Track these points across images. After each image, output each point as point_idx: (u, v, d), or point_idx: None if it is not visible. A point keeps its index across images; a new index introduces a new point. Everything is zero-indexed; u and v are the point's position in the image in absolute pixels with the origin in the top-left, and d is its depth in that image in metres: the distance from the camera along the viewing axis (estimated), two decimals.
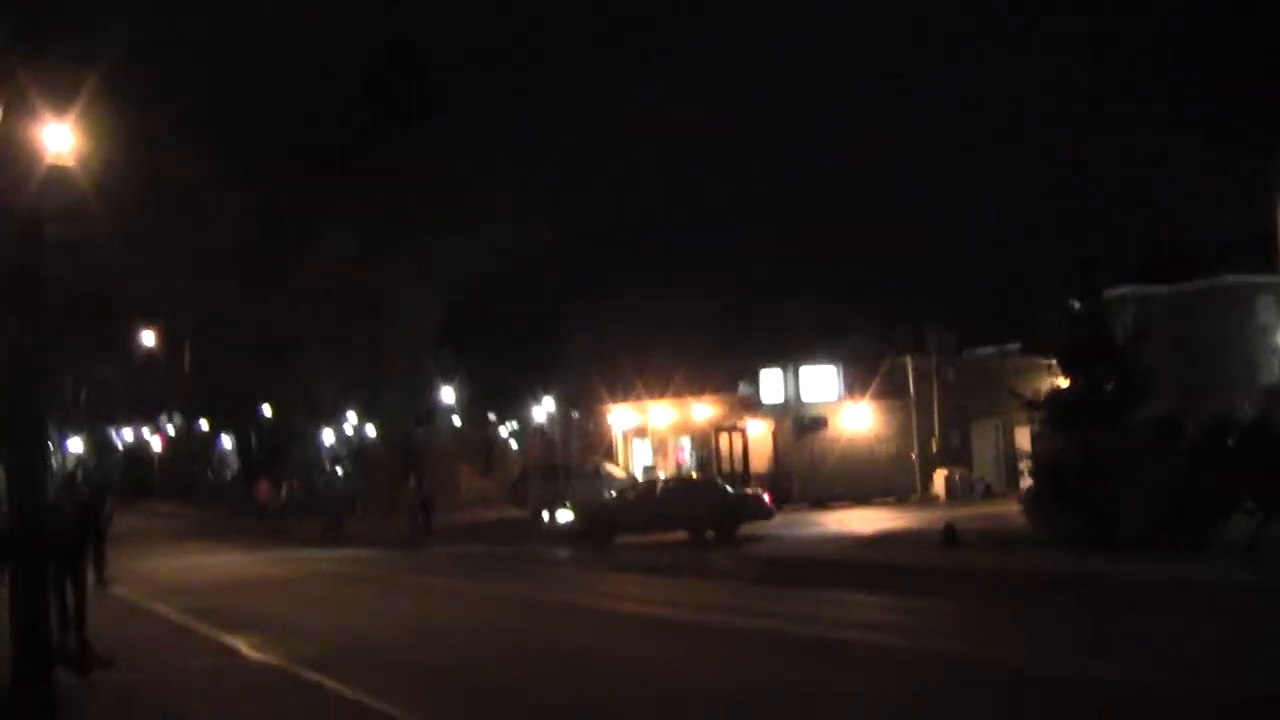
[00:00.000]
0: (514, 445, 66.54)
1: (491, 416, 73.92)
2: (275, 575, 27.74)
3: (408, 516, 38.17)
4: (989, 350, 53.77)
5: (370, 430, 76.53)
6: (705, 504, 33.60)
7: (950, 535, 26.33)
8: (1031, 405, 29.85)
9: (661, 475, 48.85)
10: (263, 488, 53.45)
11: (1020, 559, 23.44)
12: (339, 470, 70.33)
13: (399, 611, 20.28)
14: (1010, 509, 34.83)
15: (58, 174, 13.49)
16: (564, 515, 34.98)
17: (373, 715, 11.42)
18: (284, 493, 57.37)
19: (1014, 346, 52.30)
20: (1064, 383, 28.51)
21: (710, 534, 32.77)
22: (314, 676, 13.36)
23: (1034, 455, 30.07)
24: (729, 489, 36.20)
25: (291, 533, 43.55)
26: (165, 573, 28.56)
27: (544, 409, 69.47)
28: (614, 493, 37.19)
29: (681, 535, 32.83)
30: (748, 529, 32.97)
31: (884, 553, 26.63)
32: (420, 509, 37.68)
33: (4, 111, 10.83)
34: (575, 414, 61.23)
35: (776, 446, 46.90)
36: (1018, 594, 19.63)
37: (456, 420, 72.96)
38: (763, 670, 13.35)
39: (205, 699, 12.61)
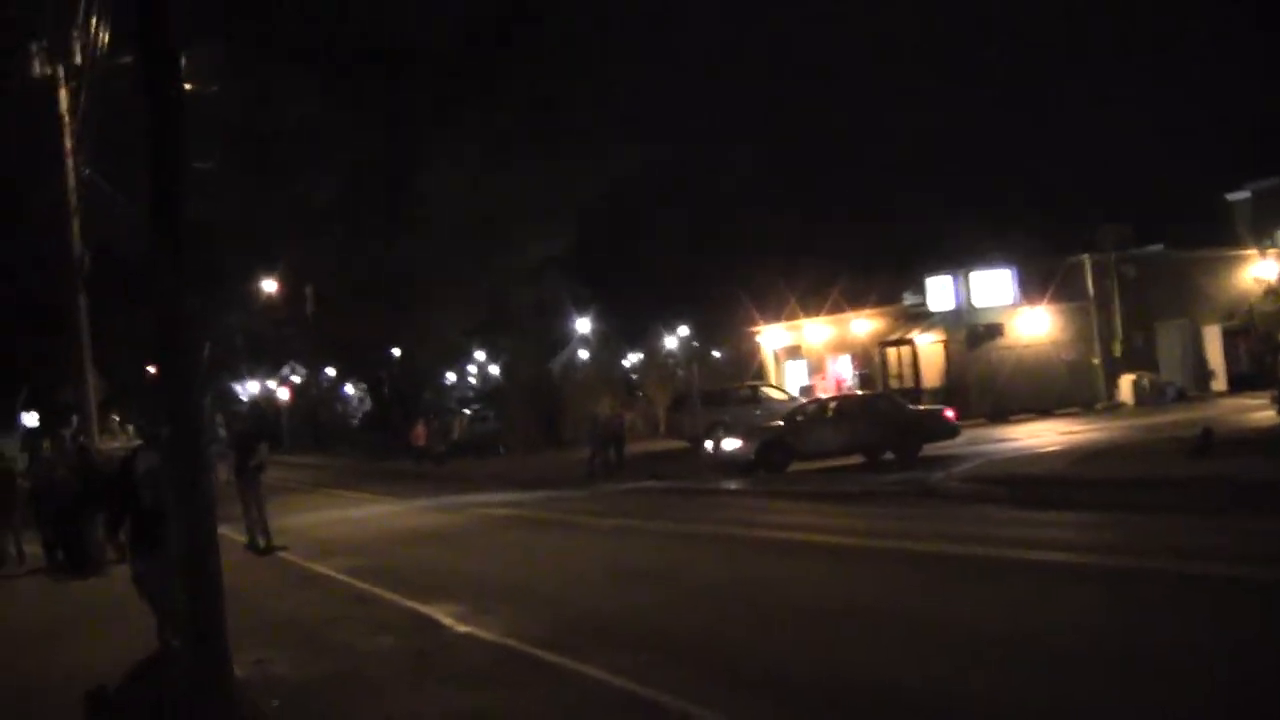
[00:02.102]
0: (653, 375, 63.56)
1: (627, 349, 71.40)
2: (444, 525, 24.70)
3: (592, 450, 35.77)
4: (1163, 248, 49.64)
5: (494, 369, 74.50)
6: (884, 424, 30.42)
7: (1206, 441, 22.78)
8: None
9: (821, 395, 45.91)
10: (419, 430, 51.47)
11: None
12: (466, 411, 68.13)
13: (602, 563, 17.24)
14: (1213, 413, 31.38)
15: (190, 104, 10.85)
16: (730, 443, 31.67)
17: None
18: (454, 433, 55.58)
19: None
20: None
21: (890, 456, 29.69)
22: (551, 658, 10.46)
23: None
24: (909, 407, 32.91)
25: (448, 477, 41.00)
26: (318, 527, 25.72)
27: (682, 335, 66.74)
28: (778, 418, 33.71)
29: (856, 459, 29.87)
30: (930, 449, 29.80)
31: (1116, 467, 23.03)
32: (612, 442, 35.28)
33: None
34: (719, 338, 58.25)
35: (949, 359, 43.42)
36: None
37: (584, 354, 70.52)
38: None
39: (423, 696, 9.71)
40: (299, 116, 44.95)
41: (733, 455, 31.26)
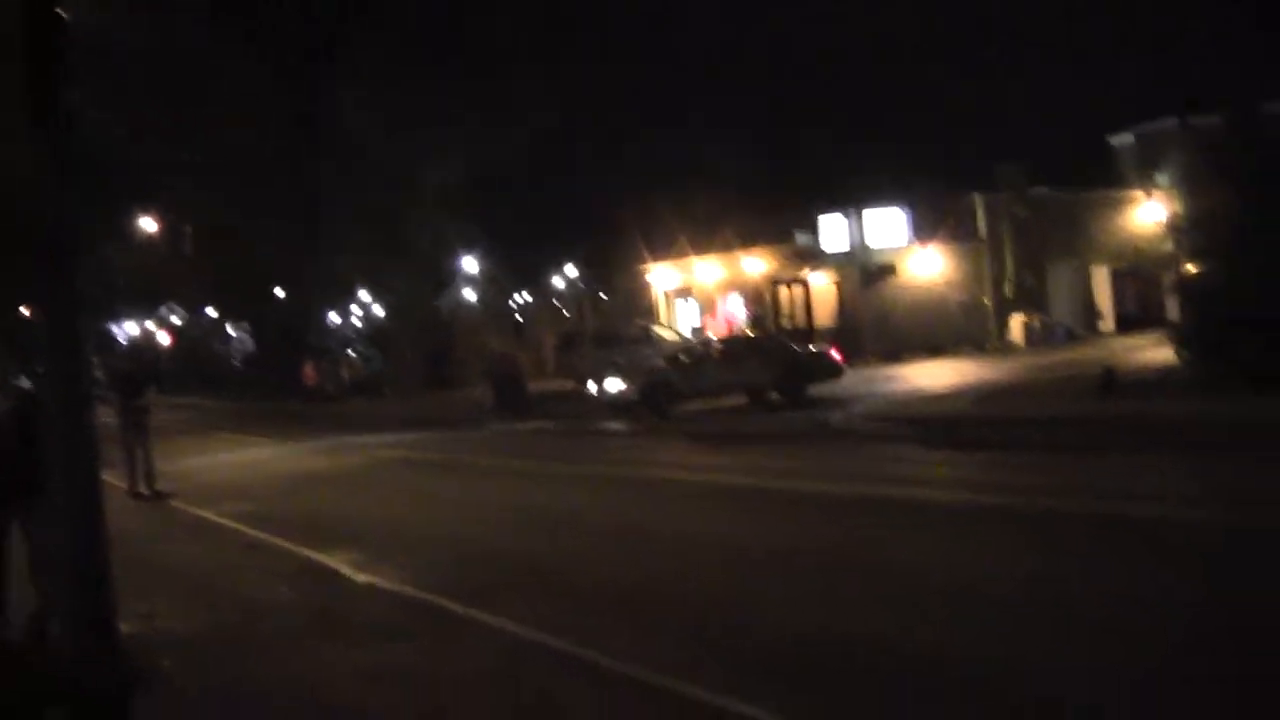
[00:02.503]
0: (540, 314, 62.79)
1: (516, 288, 70.53)
2: (336, 468, 23.99)
3: (494, 390, 35.14)
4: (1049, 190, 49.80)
5: (378, 310, 73.30)
6: (771, 365, 29.98)
7: (1109, 381, 22.74)
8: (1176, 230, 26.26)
9: (711, 336, 45.67)
10: (309, 370, 50.25)
11: (1201, 405, 19.77)
12: (350, 352, 66.92)
13: (499, 504, 16.74)
14: (1103, 353, 31.56)
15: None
16: (614, 384, 31.17)
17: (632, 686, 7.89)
18: (344, 373, 54.42)
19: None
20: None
21: (775, 397, 29.38)
22: (457, 608, 9.95)
23: (1183, 286, 26.20)
24: (795, 347, 32.56)
25: (337, 418, 40.12)
26: (204, 471, 24.72)
27: (570, 274, 66.09)
28: (664, 359, 33.12)
29: (739, 401, 29.63)
30: (823, 390, 29.50)
31: (1023, 406, 22.91)
32: (506, 381, 34.68)
33: None
34: (608, 277, 57.61)
35: (841, 299, 43.25)
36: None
37: (471, 293, 69.58)
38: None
39: (327, 653, 9.12)
40: (184, 35, 43.29)
41: (615, 397, 30.83)
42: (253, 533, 15.40)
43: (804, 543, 11.96)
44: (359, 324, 76.92)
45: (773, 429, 24.25)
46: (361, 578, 11.62)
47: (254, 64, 47.95)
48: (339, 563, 12.45)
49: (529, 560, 12.15)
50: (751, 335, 38.17)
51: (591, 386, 33.15)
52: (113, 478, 20.68)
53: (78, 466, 7.71)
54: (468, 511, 16.27)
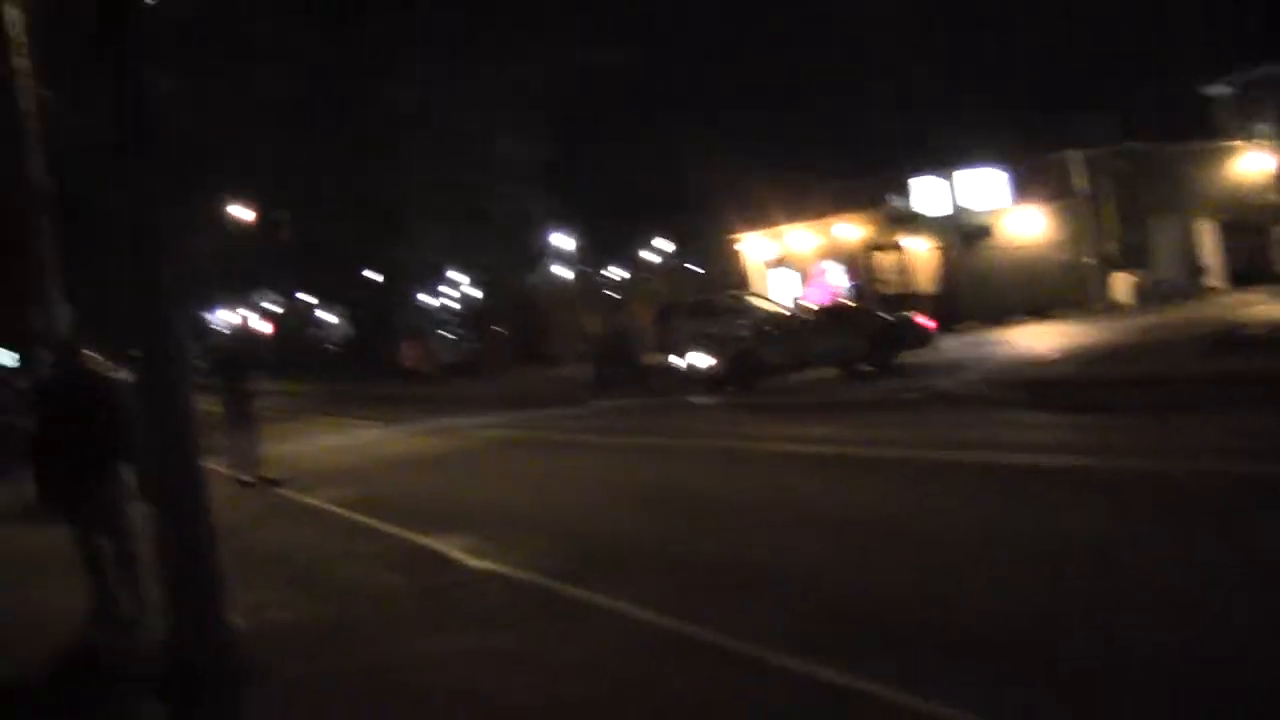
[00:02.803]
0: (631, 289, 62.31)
1: (607, 262, 70.17)
2: (439, 450, 23.72)
3: (598, 363, 34.81)
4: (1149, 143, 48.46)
5: (469, 289, 73.28)
6: (859, 334, 29.37)
7: (1227, 337, 21.91)
8: None
9: (807, 305, 45.19)
10: (406, 350, 50.13)
11: None
12: (442, 331, 67.01)
13: (605, 482, 16.33)
14: (1215, 311, 30.59)
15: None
16: (701, 358, 30.73)
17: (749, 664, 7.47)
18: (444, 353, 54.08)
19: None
20: None
21: (865, 368, 28.76)
22: (574, 591, 9.59)
23: None
24: (883, 315, 31.81)
25: (435, 399, 39.93)
26: (306, 456, 24.47)
27: (661, 247, 65.61)
28: (750, 332, 32.43)
29: (830, 373, 29.03)
30: (917, 358, 28.80)
31: (1129, 367, 22.07)
32: (620, 355, 34.17)
33: None
34: (701, 248, 57.05)
35: (940, 263, 42.45)
36: None
37: (558, 269, 69.34)
38: None
39: (442, 639, 8.79)
40: (267, 31, 43.39)
41: (703, 371, 30.43)
42: (359, 518, 15.12)
43: (906, 509, 11.51)
44: (450, 303, 77.04)
45: (865, 396, 23.69)
46: (474, 562, 11.28)
47: (338, 45, 47.98)
48: (450, 547, 12.11)
49: (640, 538, 11.79)
50: (836, 304, 37.48)
51: (679, 360, 32.79)
52: (217, 465, 20.69)
53: (178, 453, 7.44)
54: (575, 491, 15.84)
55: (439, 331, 67.50)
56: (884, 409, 21.89)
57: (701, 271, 57.57)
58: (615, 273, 68.93)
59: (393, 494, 17.52)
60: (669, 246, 66.27)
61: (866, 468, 14.94)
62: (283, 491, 18.83)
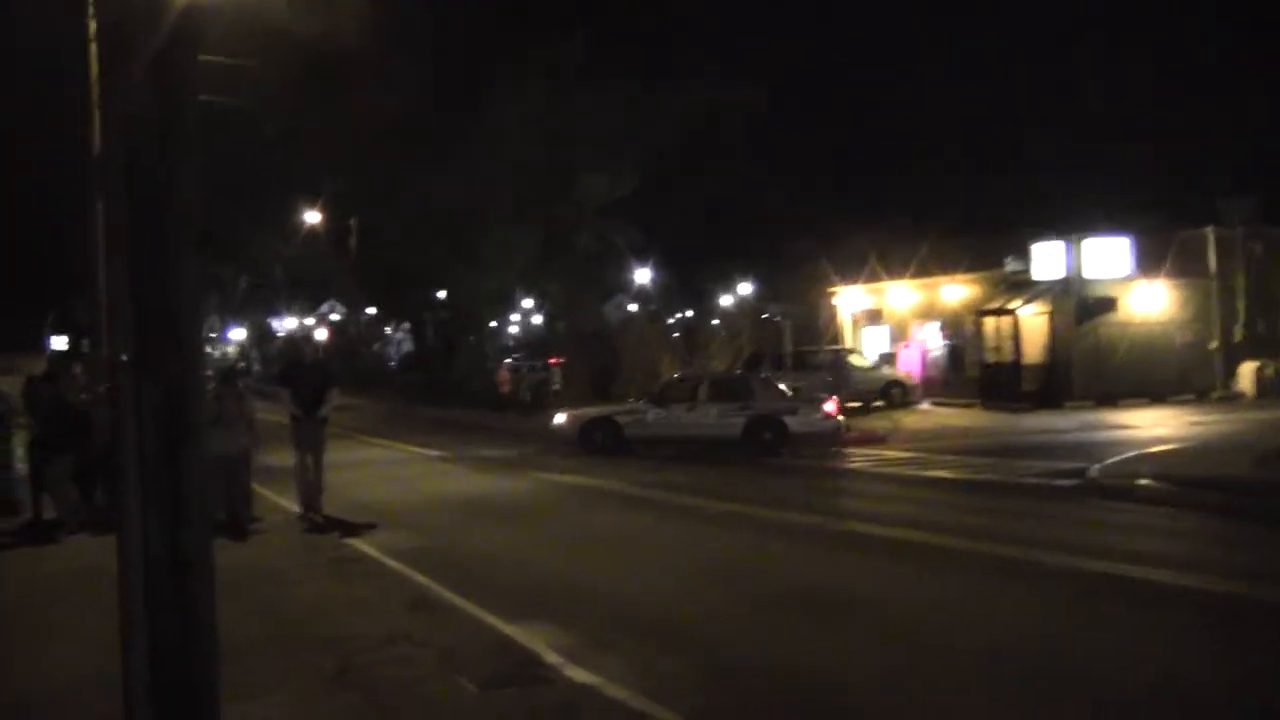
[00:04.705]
0: (720, 333, 59.49)
1: (682, 304, 67.61)
2: (512, 493, 20.98)
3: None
4: None
5: (536, 319, 70.96)
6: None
7: None
8: None
9: (901, 365, 42.63)
10: (503, 376, 47.71)
11: None
12: (508, 361, 64.46)
13: (723, 562, 13.47)
14: None
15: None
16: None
17: None
18: (554, 382, 51.32)
19: None
20: None
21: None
22: None
23: None
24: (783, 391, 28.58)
25: (510, 430, 37.22)
26: (359, 486, 21.48)
27: (744, 293, 63.00)
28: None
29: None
30: (1032, 435, 27.39)
31: None
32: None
33: None
34: (788, 296, 54.23)
35: (1053, 333, 39.33)
36: None
37: (635, 307, 66.80)
38: None
39: None
40: (355, 30, 41.04)
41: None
42: (421, 580, 12.34)
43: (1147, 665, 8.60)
44: (516, 332, 74.68)
45: (1023, 481, 20.69)
46: (577, 674, 8.45)
47: (420, 65, 45.86)
48: (540, 644, 9.30)
49: (793, 660, 8.93)
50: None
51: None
52: (270, 491, 18.08)
53: (180, 508, 4.77)
54: (687, 574, 12.87)
55: (506, 360, 65.09)
56: (1029, 495, 18.92)
57: (784, 320, 54.72)
58: (693, 314, 66.45)
59: (462, 550, 14.73)
60: (749, 291, 63.66)
61: (1034, 578, 12.01)
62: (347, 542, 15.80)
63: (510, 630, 9.83)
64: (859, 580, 12.16)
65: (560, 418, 29.13)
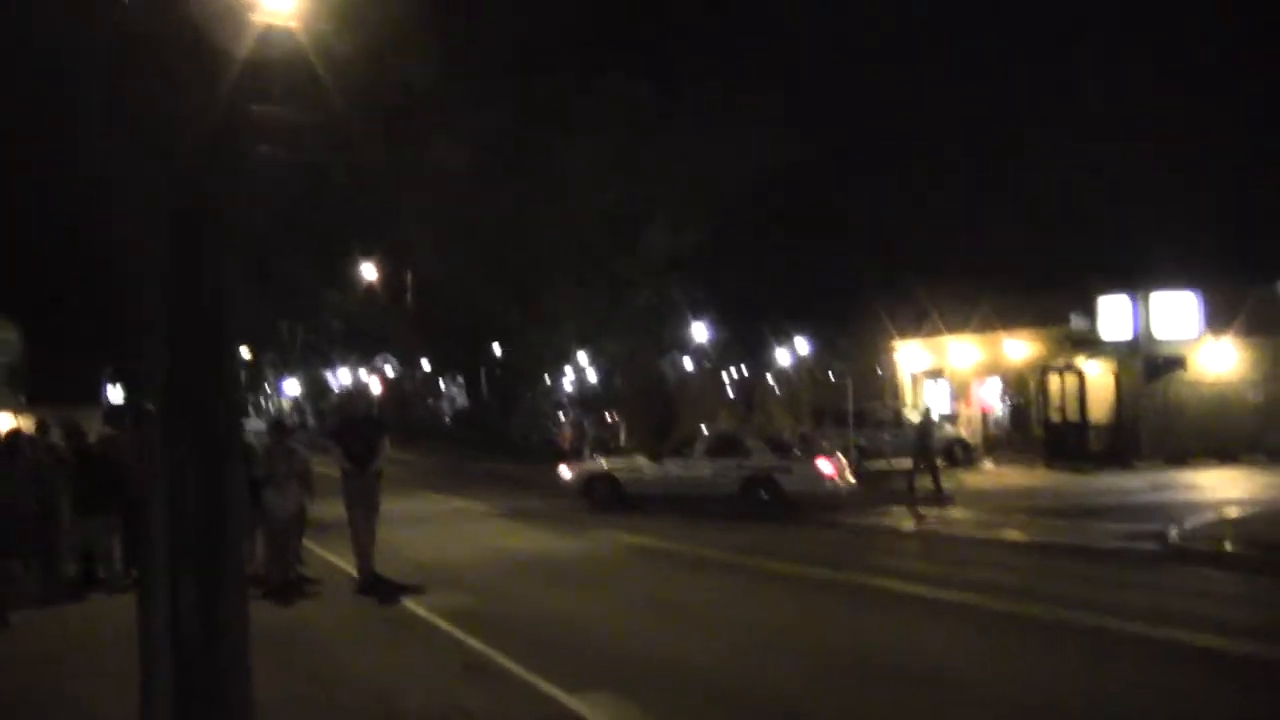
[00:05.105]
0: (781, 390, 58.75)
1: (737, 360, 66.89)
2: (572, 553, 20.30)
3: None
4: None
5: (591, 374, 70.49)
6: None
7: None
8: None
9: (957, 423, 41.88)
10: (565, 433, 47.31)
11: None
12: (562, 416, 64.06)
13: (793, 635, 12.77)
14: None
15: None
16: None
17: None
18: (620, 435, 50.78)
19: None
20: None
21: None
22: None
23: None
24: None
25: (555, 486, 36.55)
26: (413, 544, 20.84)
27: (801, 349, 62.30)
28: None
29: None
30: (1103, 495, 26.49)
31: None
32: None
33: None
34: (847, 353, 53.48)
35: (1119, 391, 38.41)
36: None
37: (690, 363, 66.22)
38: None
39: None
40: (423, 82, 40.91)
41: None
42: (473, 644, 11.80)
43: None
44: (570, 388, 74.27)
45: (1100, 543, 19.93)
46: None
47: (479, 110, 45.61)
48: (602, 717, 8.73)
49: None
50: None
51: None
52: (322, 548, 17.62)
53: (212, 589, 4.31)
54: (757, 645, 12.22)
55: (570, 415, 64.69)
56: (1110, 560, 18.15)
57: (845, 378, 54.04)
58: (749, 371, 65.87)
59: (515, 613, 14.12)
60: (808, 349, 62.96)
61: (1135, 653, 11.32)
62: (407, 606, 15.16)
63: (570, 702, 9.26)
64: (952, 653, 11.42)
65: (566, 472, 29.13)
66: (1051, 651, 11.36)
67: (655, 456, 27.73)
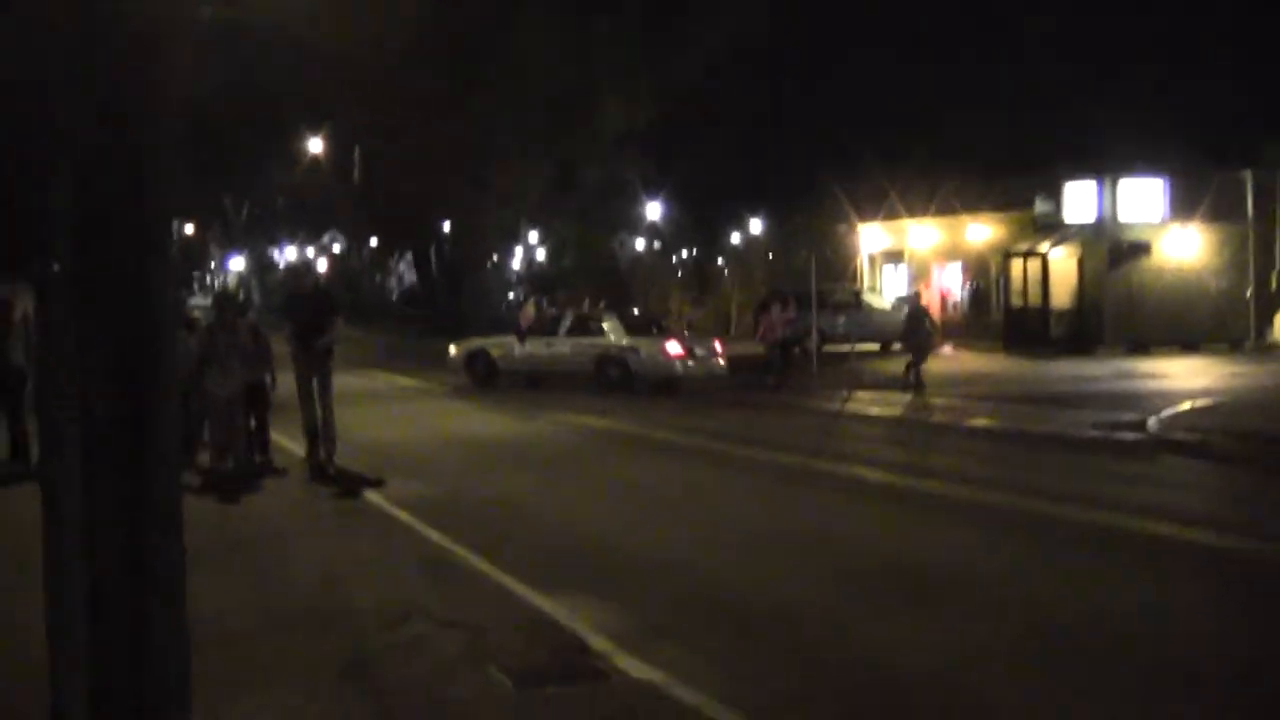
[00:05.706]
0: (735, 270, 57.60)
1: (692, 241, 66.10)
2: (527, 436, 19.61)
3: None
4: None
5: (541, 254, 69.53)
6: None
7: None
8: None
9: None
10: (528, 311, 46.27)
11: None
12: (520, 295, 62.97)
13: (801, 532, 11.88)
14: None
15: None
16: None
17: None
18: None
19: None
20: None
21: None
22: None
23: None
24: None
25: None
26: (366, 425, 19.84)
27: (756, 230, 61.48)
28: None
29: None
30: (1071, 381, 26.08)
31: None
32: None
33: None
34: (803, 235, 52.52)
35: (1083, 278, 37.73)
36: None
37: (643, 244, 65.37)
38: None
39: None
40: None
41: None
42: (435, 537, 10.98)
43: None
44: (519, 268, 73.23)
45: (1054, 429, 19.30)
46: (633, 666, 7.06)
47: None
48: (581, 623, 7.94)
49: (894, 652, 7.57)
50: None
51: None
52: (281, 436, 16.65)
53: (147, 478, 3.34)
54: (742, 534, 11.46)
55: (515, 295, 63.65)
56: (1094, 450, 17.46)
57: (805, 261, 53.26)
58: (703, 252, 65.07)
59: (480, 502, 13.30)
60: (761, 230, 62.07)
61: (1153, 552, 10.66)
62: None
63: (547, 606, 8.43)
64: (941, 550, 10.65)
65: (452, 348, 30.08)
66: (1066, 551, 10.66)
67: (524, 337, 28.75)
